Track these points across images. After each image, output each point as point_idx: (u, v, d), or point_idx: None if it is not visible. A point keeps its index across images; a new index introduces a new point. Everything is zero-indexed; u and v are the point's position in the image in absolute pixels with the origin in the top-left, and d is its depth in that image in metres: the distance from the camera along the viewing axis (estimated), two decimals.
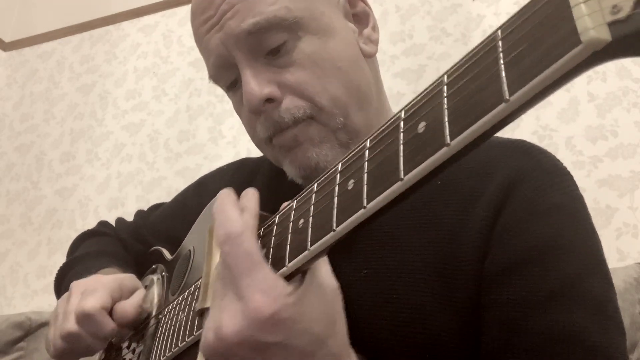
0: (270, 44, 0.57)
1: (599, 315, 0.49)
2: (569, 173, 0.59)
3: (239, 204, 0.44)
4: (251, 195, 0.45)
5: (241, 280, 0.38)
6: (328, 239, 0.34)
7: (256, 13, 0.56)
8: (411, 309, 0.53)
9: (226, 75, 0.61)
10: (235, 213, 0.41)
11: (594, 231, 0.55)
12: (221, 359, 0.40)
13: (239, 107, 0.63)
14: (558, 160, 0.60)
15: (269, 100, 0.57)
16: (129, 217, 0.94)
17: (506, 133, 1.35)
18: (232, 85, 0.62)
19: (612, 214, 1.24)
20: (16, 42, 2.25)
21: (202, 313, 0.45)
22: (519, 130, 1.39)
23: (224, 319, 0.38)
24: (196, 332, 0.50)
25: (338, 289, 0.43)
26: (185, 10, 2.02)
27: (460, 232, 0.54)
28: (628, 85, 1.34)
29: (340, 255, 0.58)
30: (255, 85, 0.56)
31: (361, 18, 0.66)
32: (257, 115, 0.59)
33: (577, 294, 0.49)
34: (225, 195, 0.44)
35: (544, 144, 1.43)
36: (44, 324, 1.45)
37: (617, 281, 1.04)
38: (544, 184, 0.55)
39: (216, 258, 0.45)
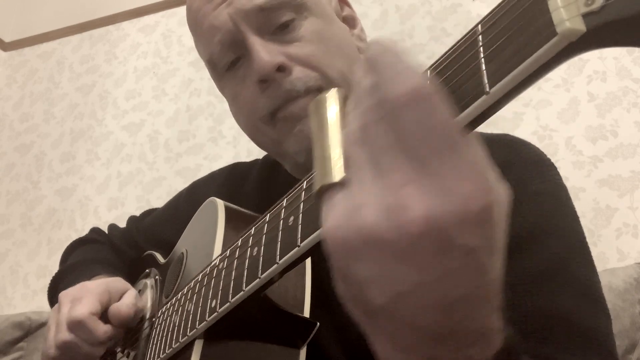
0: (278, 20, 0.58)
1: (585, 298, 0.49)
2: (552, 164, 0.59)
3: None
4: None
5: (439, 157, 0.25)
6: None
7: None
8: None
9: (228, 54, 0.61)
10: (415, 68, 0.27)
11: (577, 218, 0.56)
12: (372, 248, 0.26)
13: (238, 87, 0.62)
14: (541, 152, 0.60)
15: (280, 69, 0.57)
16: (129, 217, 0.94)
17: (506, 132, 1.34)
18: (232, 64, 0.62)
19: (612, 214, 1.24)
20: (16, 42, 2.25)
21: (324, 193, 0.29)
22: (519, 130, 1.39)
23: (409, 195, 0.25)
24: (190, 332, 0.49)
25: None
26: (185, 10, 2.01)
27: None
28: (628, 85, 1.34)
29: None
30: (266, 54, 0.57)
31: (349, 21, 0.69)
32: (264, 86, 0.58)
33: (563, 277, 0.50)
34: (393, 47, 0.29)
35: (544, 144, 1.42)
36: (44, 324, 1.44)
37: (617, 281, 1.04)
38: (526, 173, 0.56)
39: (334, 131, 0.31)
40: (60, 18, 2.21)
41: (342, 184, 0.28)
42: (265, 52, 0.57)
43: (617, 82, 1.35)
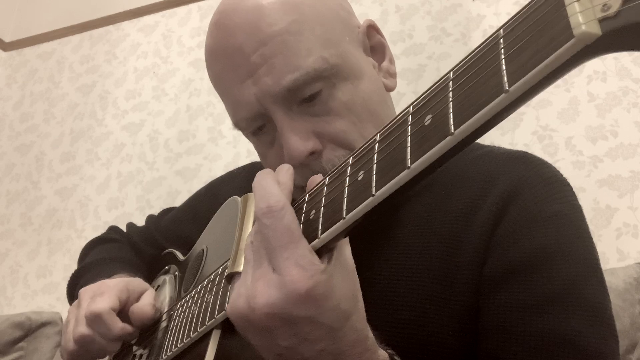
0: (305, 93, 0.56)
1: (595, 321, 0.50)
2: (568, 184, 0.60)
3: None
4: (285, 172, 0.45)
5: (280, 253, 0.38)
6: (339, 225, 0.37)
7: (294, 68, 0.54)
8: (411, 311, 0.54)
9: (254, 124, 0.60)
10: (277, 188, 0.41)
11: (591, 240, 0.56)
12: (248, 326, 0.40)
13: (265, 149, 0.62)
14: (558, 171, 0.61)
15: (312, 153, 0.56)
16: (129, 217, 0.95)
17: (506, 132, 1.35)
18: (257, 130, 0.61)
19: (612, 214, 1.24)
20: (16, 42, 2.25)
21: (232, 278, 0.44)
22: (519, 130, 1.39)
23: (258, 289, 0.38)
24: (208, 322, 0.50)
25: (355, 269, 0.43)
26: (185, 11, 2.02)
27: (462, 238, 0.55)
28: (628, 85, 1.34)
29: None
30: (297, 140, 0.55)
31: (378, 50, 0.66)
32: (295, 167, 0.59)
33: (574, 299, 0.50)
34: (265, 172, 0.44)
35: (544, 144, 1.42)
36: (44, 324, 1.45)
37: (617, 281, 1.04)
38: (543, 193, 0.56)
39: (248, 226, 0.46)
40: (60, 18, 2.21)
41: (239, 273, 0.42)
42: (296, 138, 0.55)
43: (617, 82, 1.35)
